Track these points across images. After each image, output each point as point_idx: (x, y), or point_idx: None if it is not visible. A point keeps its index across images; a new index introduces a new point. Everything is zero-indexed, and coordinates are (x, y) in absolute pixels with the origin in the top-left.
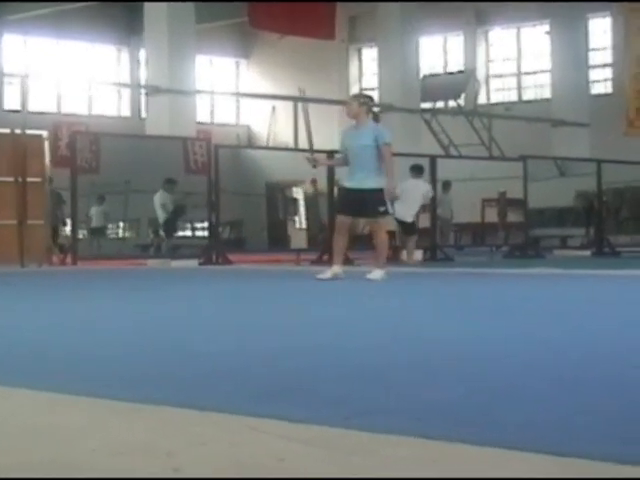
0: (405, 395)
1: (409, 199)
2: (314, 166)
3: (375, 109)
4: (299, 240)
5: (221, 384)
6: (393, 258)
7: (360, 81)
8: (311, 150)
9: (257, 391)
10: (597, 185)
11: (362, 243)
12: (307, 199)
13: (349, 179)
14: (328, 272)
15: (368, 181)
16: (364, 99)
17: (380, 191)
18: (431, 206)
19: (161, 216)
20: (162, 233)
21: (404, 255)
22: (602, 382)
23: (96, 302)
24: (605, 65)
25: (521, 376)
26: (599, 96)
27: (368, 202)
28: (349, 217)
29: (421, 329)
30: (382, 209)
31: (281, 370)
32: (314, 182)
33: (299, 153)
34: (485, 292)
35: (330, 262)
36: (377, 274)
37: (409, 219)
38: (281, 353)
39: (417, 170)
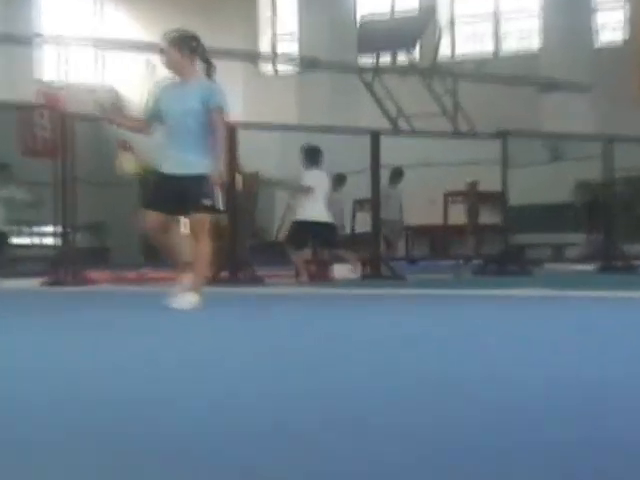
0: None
1: (319, 194)
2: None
3: (208, 57)
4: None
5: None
6: (322, 276)
7: (273, 27)
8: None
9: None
10: (605, 172)
11: (275, 254)
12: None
13: (166, 159)
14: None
15: (195, 164)
16: (187, 42)
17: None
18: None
19: None
20: None
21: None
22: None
23: None
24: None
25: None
26: (606, 49)
27: (190, 193)
28: (161, 214)
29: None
30: (206, 201)
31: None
32: (124, 145)
33: None
34: (446, 322)
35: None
36: (187, 299)
37: (328, 219)
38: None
39: (312, 156)
